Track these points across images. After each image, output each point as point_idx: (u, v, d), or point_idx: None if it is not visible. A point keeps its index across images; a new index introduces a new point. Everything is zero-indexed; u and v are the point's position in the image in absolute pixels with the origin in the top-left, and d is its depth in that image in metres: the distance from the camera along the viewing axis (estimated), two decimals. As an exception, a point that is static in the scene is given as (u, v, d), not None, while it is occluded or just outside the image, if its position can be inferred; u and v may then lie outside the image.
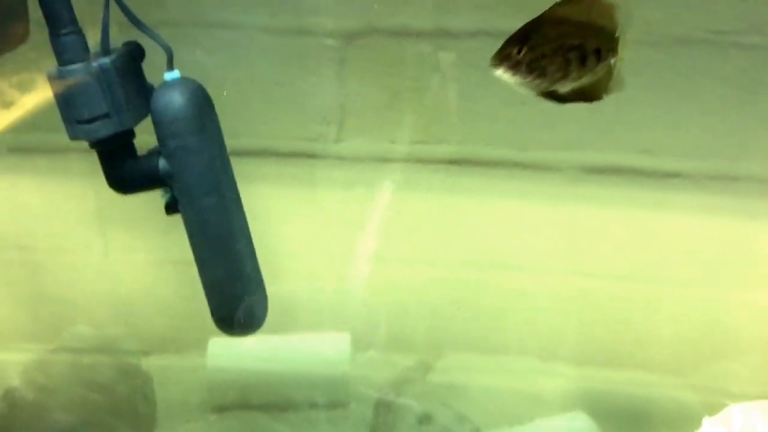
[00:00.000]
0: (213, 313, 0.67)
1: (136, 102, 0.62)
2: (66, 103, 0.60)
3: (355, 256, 0.95)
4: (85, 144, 0.61)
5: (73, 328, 1.00)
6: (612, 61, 0.65)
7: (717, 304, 0.93)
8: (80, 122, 0.60)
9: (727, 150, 0.87)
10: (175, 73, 0.62)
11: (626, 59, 0.66)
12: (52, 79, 0.60)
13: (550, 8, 0.62)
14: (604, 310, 0.95)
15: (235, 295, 0.66)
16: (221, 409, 0.97)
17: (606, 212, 0.91)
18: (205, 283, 0.66)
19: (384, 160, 0.92)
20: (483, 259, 0.95)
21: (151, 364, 1.01)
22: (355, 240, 0.94)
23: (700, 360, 0.95)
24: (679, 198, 0.90)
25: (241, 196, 0.67)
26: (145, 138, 0.63)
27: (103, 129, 0.60)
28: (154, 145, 0.62)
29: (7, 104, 0.90)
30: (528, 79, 0.62)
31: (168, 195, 0.64)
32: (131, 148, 0.63)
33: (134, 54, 0.63)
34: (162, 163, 0.62)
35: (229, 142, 0.65)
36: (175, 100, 0.61)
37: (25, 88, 0.90)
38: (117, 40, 0.62)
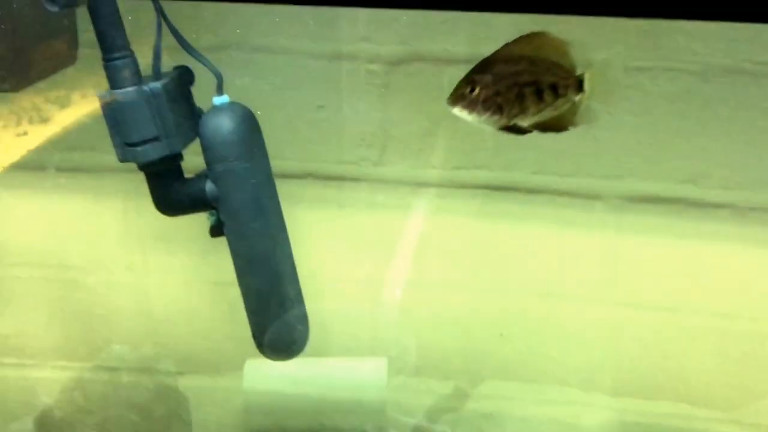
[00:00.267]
0: (255, 337, 0.67)
1: (185, 126, 0.62)
2: (116, 126, 0.60)
3: (393, 280, 0.94)
4: (128, 164, 0.62)
5: (110, 347, 1.01)
6: (576, 97, 0.65)
7: (762, 338, 0.92)
8: (130, 145, 0.60)
9: (772, 181, 0.87)
10: (225, 98, 0.63)
11: (603, 92, 0.65)
12: (103, 101, 0.60)
13: (503, 46, 0.63)
14: (645, 341, 0.94)
15: (277, 320, 0.66)
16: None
17: (648, 242, 0.90)
18: (248, 307, 0.66)
19: (424, 184, 0.92)
20: (521, 287, 0.95)
21: (186, 384, 1.01)
22: (393, 263, 0.94)
23: (743, 394, 0.93)
24: (722, 229, 0.89)
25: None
26: (191, 159, 0.64)
27: (153, 152, 0.61)
28: (202, 169, 0.63)
29: (53, 123, 0.92)
30: (485, 116, 0.63)
31: (214, 218, 0.64)
32: (179, 171, 0.64)
33: (184, 78, 0.64)
34: (209, 186, 0.62)
35: (274, 164, 0.65)
36: (224, 125, 0.61)
37: (71, 107, 0.91)
38: (168, 63, 0.63)
